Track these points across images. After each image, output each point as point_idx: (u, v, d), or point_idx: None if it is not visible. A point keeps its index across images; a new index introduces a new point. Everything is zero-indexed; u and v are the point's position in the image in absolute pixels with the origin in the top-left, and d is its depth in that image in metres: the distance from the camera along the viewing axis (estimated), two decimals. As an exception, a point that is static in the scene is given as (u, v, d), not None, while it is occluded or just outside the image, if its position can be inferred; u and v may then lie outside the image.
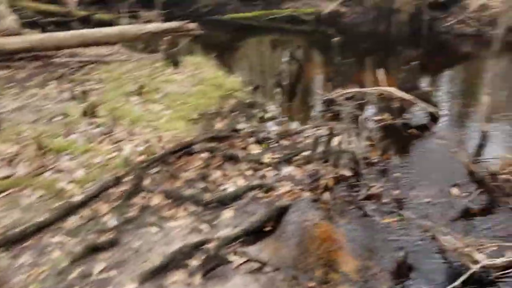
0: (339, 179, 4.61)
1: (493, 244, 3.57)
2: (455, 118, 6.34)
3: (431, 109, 6.01)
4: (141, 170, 4.33)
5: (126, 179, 4.29)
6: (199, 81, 6.42)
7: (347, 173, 4.65)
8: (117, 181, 4.22)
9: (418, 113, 6.26)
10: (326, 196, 4.35)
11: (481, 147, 5.35)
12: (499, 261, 3.41)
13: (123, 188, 4.21)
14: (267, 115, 6.25)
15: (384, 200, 4.31)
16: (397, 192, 4.23)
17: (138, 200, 4.13)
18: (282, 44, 11.15)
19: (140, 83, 6.04)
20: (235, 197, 4.30)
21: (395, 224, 4.01)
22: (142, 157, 4.57)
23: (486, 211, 4.21)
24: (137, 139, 4.83)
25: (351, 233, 3.93)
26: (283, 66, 8.15)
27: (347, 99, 6.28)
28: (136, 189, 4.20)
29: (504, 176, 4.41)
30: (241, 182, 4.55)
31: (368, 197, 4.36)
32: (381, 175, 4.71)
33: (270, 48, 11.31)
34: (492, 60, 5.53)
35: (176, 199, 4.16)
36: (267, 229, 3.94)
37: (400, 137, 5.57)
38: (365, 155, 4.92)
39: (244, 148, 5.19)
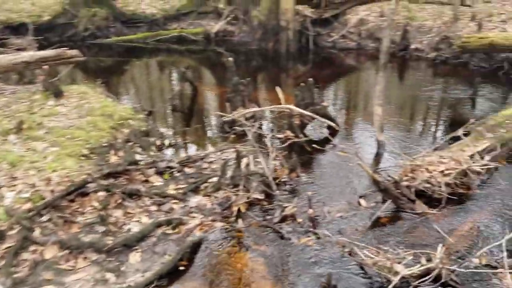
0: (251, 204, 4.43)
1: (408, 252, 3.63)
2: (353, 130, 6.53)
3: (330, 123, 6.12)
4: (28, 220, 3.74)
5: (10, 232, 3.68)
6: (86, 112, 5.85)
7: (259, 196, 4.49)
8: (-1, 237, 3.60)
9: (318, 128, 6.35)
10: (240, 223, 4.15)
11: (379, 156, 5.55)
12: (416, 269, 3.45)
13: (7, 244, 3.60)
14: (166, 142, 5.89)
15: (299, 220, 4.22)
16: (310, 210, 4.15)
17: (28, 255, 3.57)
18: (172, 65, 10.86)
19: (18, 118, 5.32)
20: (141, 237, 3.92)
21: (312, 244, 3.92)
22: (29, 205, 3.95)
23: (394, 219, 4.32)
24: (20, 184, 4.18)
25: (269, 259, 3.76)
26: (176, 88, 7.84)
27: (248, 119, 6.17)
28: (25, 243, 3.61)
29: (405, 183, 4.58)
30: (146, 220, 4.17)
31: (283, 219, 4.24)
32: (293, 195, 4.62)
33: (160, 70, 10.93)
34: (380, 72, 5.75)
35: (74, 248, 3.66)
36: (181, 268, 3.64)
37: (304, 154, 5.57)
38: (275, 176, 4.81)
39: (145, 181, 4.80)
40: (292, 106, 6.18)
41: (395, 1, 5.71)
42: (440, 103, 7.60)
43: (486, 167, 4.95)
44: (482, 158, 5.06)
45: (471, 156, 5.02)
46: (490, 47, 7.51)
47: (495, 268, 3.57)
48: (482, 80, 8.41)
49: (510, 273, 3.38)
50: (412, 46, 10.18)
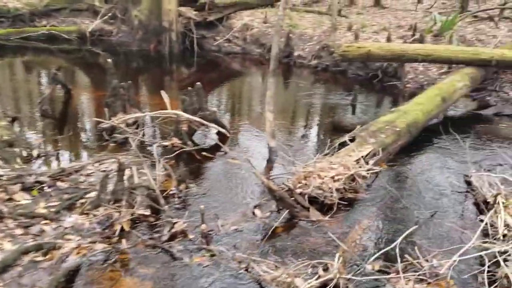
0: (136, 221, 3.96)
1: (307, 263, 3.49)
2: (244, 136, 6.35)
3: (220, 129, 5.86)
4: None
5: None
6: None
7: (145, 212, 4.03)
8: None
9: (207, 135, 6.05)
10: (124, 244, 3.66)
11: (271, 163, 5.42)
12: (315, 282, 3.32)
13: None
14: (34, 153, 5.12)
15: (190, 237, 3.86)
16: (203, 225, 3.81)
17: None
18: (42, 65, 9.76)
19: None
20: (3, 268, 3.25)
21: (206, 262, 3.59)
22: None
23: (291, 228, 4.18)
24: None
25: (159, 282, 3.35)
26: (46, 91, 6.97)
27: (130, 125, 5.64)
28: None
29: (298, 190, 4.48)
30: (10, 246, 3.49)
31: (173, 237, 3.84)
32: (183, 209, 4.24)
33: (26, 71, 9.73)
34: (270, 78, 5.65)
35: None
36: (55, 303, 3.07)
37: (194, 163, 5.23)
38: (162, 188, 4.39)
39: (9, 200, 4.06)
40: (179, 112, 5.79)
41: (282, 8, 5.64)
42: (325, 109, 7.80)
43: (371, 171, 5.10)
44: (367, 162, 5.21)
45: (357, 161, 5.13)
46: (367, 57, 7.91)
47: (388, 273, 3.59)
48: (359, 87, 8.90)
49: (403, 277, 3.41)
50: (296, 53, 10.40)
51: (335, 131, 6.64)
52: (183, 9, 10.85)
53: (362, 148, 5.38)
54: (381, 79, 9.07)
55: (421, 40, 9.42)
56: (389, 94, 8.65)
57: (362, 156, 5.23)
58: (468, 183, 5.07)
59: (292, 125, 7.03)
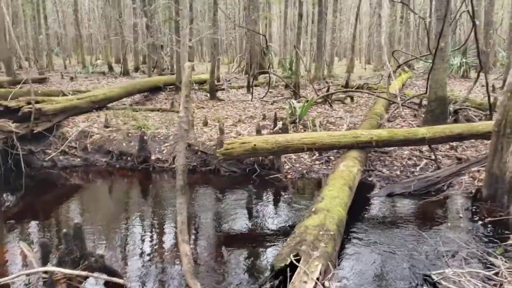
0: None
1: None
2: (147, 281, 4.59)
3: (115, 280, 4.10)
4: None
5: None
6: None
7: None
8: None
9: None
10: None
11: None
12: None
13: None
14: None
15: None
16: None
17: None
18: None
19: None
20: None
21: None
22: None
23: None
24: None
25: None
26: None
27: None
28: None
29: None
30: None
31: None
32: None
33: None
34: (179, 199, 4.24)
35: None
36: None
37: None
38: None
39: None
40: (52, 268, 3.88)
41: (182, 107, 4.44)
42: (219, 220, 6.51)
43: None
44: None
45: None
46: (253, 152, 7.07)
47: None
48: (240, 185, 7.96)
49: None
50: (153, 157, 9.00)
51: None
52: (-1, 121, 8.59)
53: (313, 268, 4.27)
54: (259, 173, 8.33)
55: (285, 129, 9.09)
56: (273, 187, 7.88)
57: (317, 280, 4.12)
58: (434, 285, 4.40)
59: (203, 251, 5.52)
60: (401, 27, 27.92)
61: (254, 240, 5.77)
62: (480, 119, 9.95)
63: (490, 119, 9.70)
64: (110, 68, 25.49)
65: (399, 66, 14.14)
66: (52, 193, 8.08)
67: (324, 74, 21.41)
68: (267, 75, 20.91)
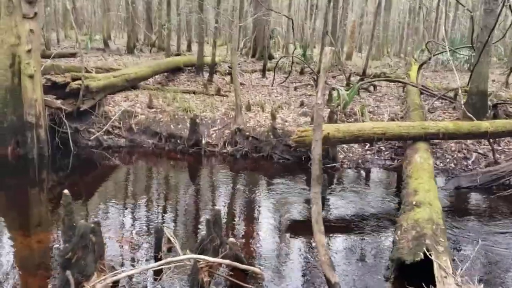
0: None
1: None
2: (283, 274, 4.49)
3: (250, 268, 3.99)
4: None
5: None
6: None
7: None
8: None
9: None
10: None
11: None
12: None
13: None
14: None
15: None
16: None
17: None
18: None
19: None
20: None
21: None
22: None
23: None
24: None
25: None
26: None
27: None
28: None
29: None
30: None
31: None
32: None
33: None
34: (315, 188, 4.14)
35: None
36: None
37: None
38: None
39: None
40: (197, 255, 3.75)
41: (321, 89, 4.30)
42: (299, 211, 6.44)
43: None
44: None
45: None
46: (325, 140, 6.98)
47: None
48: (295, 173, 7.90)
49: None
50: (204, 141, 8.80)
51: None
52: (46, 97, 8.20)
53: (443, 263, 4.26)
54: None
55: (332, 117, 9.01)
56: (333, 177, 7.84)
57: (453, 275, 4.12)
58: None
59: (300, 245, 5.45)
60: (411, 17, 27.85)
61: (354, 228, 5.71)
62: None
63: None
64: (106, 44, 24.66)
65: (430, 58, 14.19)
66: (113, 173, 7.89)
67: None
68: (276, 59, 20.78)
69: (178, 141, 8.86)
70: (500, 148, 8.78)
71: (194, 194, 6.93)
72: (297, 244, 5.33)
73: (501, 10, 8.48)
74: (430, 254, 4.29)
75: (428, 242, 4.49)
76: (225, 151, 8.72)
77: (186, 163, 8.58)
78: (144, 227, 5.40)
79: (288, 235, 5.54)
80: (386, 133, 7.30)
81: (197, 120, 8.83)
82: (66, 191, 3.95)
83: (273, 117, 8.81)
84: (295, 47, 27.13)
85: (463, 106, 9.15)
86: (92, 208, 6.09)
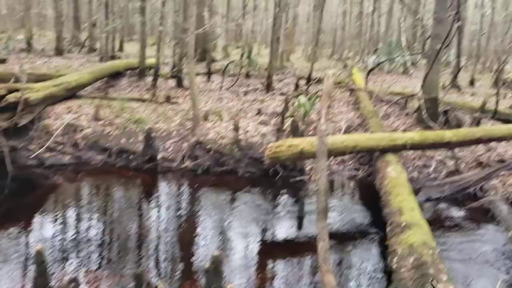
0: None
1: None
2: None
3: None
4: None
5: None
6: None
7: None
8: None
9: None
10: None
11: None
12: None
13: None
14: None
15: None
16: None
17: None
18: None
19: None
20: None
21: None
22: None
23: None
24: None
25: None
26: None
27: None
28: None
29: None
30: None
31: None
32: None
33: None
34: (320, 222, 3.75)
35: None
36: None
37: None
38: None
39: None
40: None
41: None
42: (257, 226, 6.03)
43: None
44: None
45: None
46: (300, 155, 6.64)
47: None
48: (259, 187, 7.52)
49: None
50: (159, 156, 8.12)
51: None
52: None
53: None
54: (281, 174, 7.90)
55: (296, 127, 8.70)
56: (301, 190, 7.54)
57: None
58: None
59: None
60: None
61: (338, 247, 5.39)
62: (473, 121, 10.39)
63: (478, 122, 10.23)
64: (29, 45, 22.71)
65: (378, 64, 14.36)
66: (57, 196, 6.98)
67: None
68: (218, 61, 20.25)
69: (131, 157, 8.09)
70: (449, 154, 8.93)
71: (151, 217, 6.30)
72: (279, 269, 4.92)
73: (453, 22, 8.58)
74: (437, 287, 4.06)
75: (432, 272, 4.26)
76: (184, 166, 8.09)
77: (141, 181, 7.84)
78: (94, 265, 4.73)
79: (264, 259, 5.12)
80: (357, 146, 7.10)
81: (152, 134, 8.12)
82: (39, 246, 3.23)
83: (236, 128, 8.32)
84: (233, 48, 26.75)
85: (425, 115, 9.20)
86: (33, 240, 5.27)
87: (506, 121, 10.36)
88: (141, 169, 7.95)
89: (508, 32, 15.66)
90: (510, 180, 7.33)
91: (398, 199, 5.85)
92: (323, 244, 3.75)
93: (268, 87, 14.04)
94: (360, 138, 7.29)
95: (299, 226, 6.26)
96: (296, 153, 6.56)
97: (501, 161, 8.23)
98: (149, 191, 7.49)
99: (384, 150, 7.33)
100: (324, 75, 3.89)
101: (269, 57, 15.16)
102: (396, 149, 7.40)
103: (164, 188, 7.65)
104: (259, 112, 10.55)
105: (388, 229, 5.41)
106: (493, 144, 8.82)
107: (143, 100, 10.71)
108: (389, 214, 5.65)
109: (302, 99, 9.64)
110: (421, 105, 10.21)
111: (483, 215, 6.65)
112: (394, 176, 6.51)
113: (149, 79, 13.97)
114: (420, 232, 4.98)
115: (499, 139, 8.23)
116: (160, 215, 6.40)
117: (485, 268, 5.23)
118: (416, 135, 7.65)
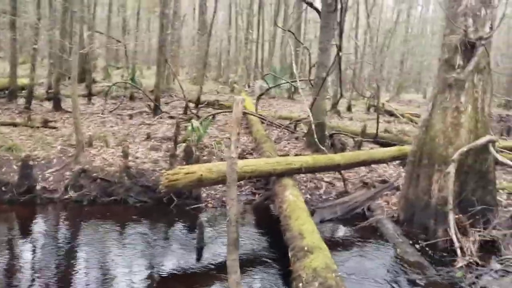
0: None
1: None
2: None
3: None
4: None
5: None
6: None
7: None
8: None
9: None
10: None
11: None
12: None
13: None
14: None
15: None
16: None
17: None
18: None
19: None
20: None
21: None
22: None
23: None
24: None
25: None
26: None
27: None
28: None
29: None
30: None
31: None
32: None
33: None
34: (232, 254, 3.54)
35: None
36: None
37: None
38: None
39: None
40: None
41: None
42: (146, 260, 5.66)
43: None
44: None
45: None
46: (199, 182, 6.35)
47: None
48: (154, 218, 7.10)
49: None
50: (38, 187, 7.25)
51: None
52: None
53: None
54: (176, 203, 7.54)
55: (190, 152, 8.46)
56: (197, 219, 7.25)
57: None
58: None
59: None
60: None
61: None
62: (355, 144, 11.07)
63: (360, 145, 10.96)
64: None
65: (268, 89, 14.70)
66: None
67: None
68: (99, 83, 19.25)
69: (4, 188, 7.11)
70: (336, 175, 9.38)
71: (25, 255, 5.54)
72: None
73: (337, 53, 9.16)
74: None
75: (339, 297, 4.28)
76: (67, 197, 7.31)
77: (15, 215, 6.91)
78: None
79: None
80: (255, 171, 7.06)
81: (30, 162, 7.23)
82: None
83: (126, 155, 7.79)
84: (113, 69, 25.66)
85: (316, 140, 9.54)
86: None
87: (382, 144, 11.24)
88: (17, 202, 7.01)
89: (377, 62, 17.28)
90: (393, 200, 7.85)
91: (298, 222, 5.88)
92: (235, 277, 3.54)
93: (156, 110, 13.60)
94: (258, 163, 7.27)
95: (198, 257, 5.95)
96: (194, 180, 6.29)
97: (383, 181, 8.84)
98: (24, 226, 6.59)
99: (281, 174, 7.41)
100: (233, 101, 3.74)
101: (155, 79, 14.77)
102: (292, 172, 7.52)
103: (43, 222, 6.79)
104: (148, 137, 10.09)
105: (290, 253, 5.38)
106: (374, 165, 9.48)
107: (16, 125, 9.59)
108: (290, 238, 5.64)
109: (195, 123, 9.43)
110: (311, 130, 10.61)
111: (372, 234, 6.99)
112: (292, 199, 6.56)
113: (22, 101, 12.68)
114: (322, 255, 5.02)
115: (379, 161, 8.86)
116: (36, 252, 5.64)
117: (378, 285, 5.44)
118: (309, 158, 7.88)
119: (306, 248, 5.19)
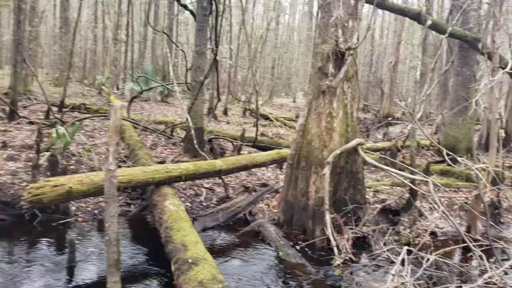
0: None
1: None
2: None
3: None
4: None
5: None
6: None
7: None
8: None
9: None
10: None
11: None
12: None
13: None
14: None
15: None
16: None
17: None
18: None
19: None
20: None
21: None
22: None
23: None
24: None
25: None
26: None
27: None
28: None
29: None
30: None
31: None
32: None
33: None
34: (113, 276, 3.16)
35: None
36: None
37: None
38: None
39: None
40: None
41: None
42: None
43: None
44: None
45: None
46: (68, 195, 5.66)
47: None
48: (12, 237, 6.25)
49: None
50: None
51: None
52: None
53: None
54: (41, 219, 6.72)
55: (55, 162, 7.64)
56: (66, 235, 6.55)
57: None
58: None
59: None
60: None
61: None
62: (234, 148, 11.07)
63: (240, 150, 11.01)
64: None
65: (141, 92, 13.98)
66: None
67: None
68: None
69: None
70: (216, 181, 9.29)
71: None
72: None
73: (215, 57, 9.07)
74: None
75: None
76: None
77: None
78: None
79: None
80: (132, 181, 6.59)
81: None
82: None
83: None
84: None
85: (196, 145, 9.29)
86: None
87: (259, 147, 11.46)
88: None
89: (252, 66, 17.70)
90: (274, 203, 7.98)
91: (181, 233, 5.60)
92: (116, 304, 3.16)
93: (12, 115, 12.12)
94: (135, 172, 6.80)
95: (70, 277, 5.32)
96: (62, 193, 5.63)
97: (263, 184, 8.96)
98: None
99: (160, 183, 7.05)
100: (111, 107, 3.35)
101: (12, 80, 13.21)
102: (171, 181, 7.20)
103: None
104: (4, 145, 8.89)
105: (174, 267, 5.09)
106: (253, 169, 9.57)
107: None
108: (173, 251, 5.33)
109: (60, 129, 8.54)
110: (190, 134, 10.35)
111: (255, 238, 7.00)
112: (173, 209, 6.26)
113: None
114: (208, 267, 4.82)
115: (261, 165, 8.98)
116: None
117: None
118: (190, 165, 7.63)
119: (190, 261, 4.95)
